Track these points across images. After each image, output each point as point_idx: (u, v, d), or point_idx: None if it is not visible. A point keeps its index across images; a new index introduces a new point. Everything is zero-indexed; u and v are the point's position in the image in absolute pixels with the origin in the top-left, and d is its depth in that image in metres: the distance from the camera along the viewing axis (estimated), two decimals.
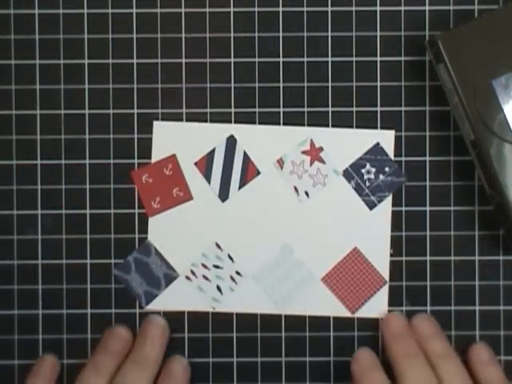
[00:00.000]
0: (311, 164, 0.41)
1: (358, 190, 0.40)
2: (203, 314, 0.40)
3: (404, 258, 0.41)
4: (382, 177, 0.40)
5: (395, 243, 0.40)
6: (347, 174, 0.41)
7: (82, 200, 0.41)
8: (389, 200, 0.40)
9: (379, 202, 0.40)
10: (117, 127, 0.41)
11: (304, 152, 0.41)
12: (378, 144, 0.40)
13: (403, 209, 0.41)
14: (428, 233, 0.41)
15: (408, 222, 0.41)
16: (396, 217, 0.40)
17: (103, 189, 0.41)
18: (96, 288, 0.41)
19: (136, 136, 0.41)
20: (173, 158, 0.40)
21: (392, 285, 0.41)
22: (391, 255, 0.40)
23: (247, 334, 0.40)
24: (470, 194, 0.41)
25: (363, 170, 0.41)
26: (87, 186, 0.41)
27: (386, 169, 0.40)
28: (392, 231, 0.40)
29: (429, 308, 0.41)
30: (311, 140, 0.41)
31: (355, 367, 0.38)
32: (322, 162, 0.41)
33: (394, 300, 0.40)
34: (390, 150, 0.40)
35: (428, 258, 0.41)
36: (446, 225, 0.41)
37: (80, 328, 0.40)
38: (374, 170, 0.40)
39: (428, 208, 0.41)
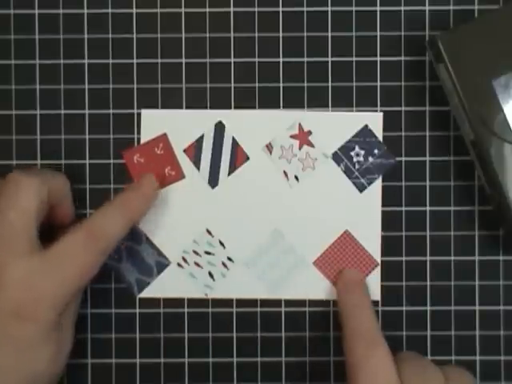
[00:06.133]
0: (300, 148, 0.41)
1: (348, 172, 0.40)
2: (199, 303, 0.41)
3: (404, 258, 0.41)
4: (371, 159, 0.40)
5: (395, 242, 0.40)
6: (336, 157, 0.41)
7: (82, 200, 0.41)
8: (379, 182, 0.40)
9: (369, 184, 0.40)
10: (117, 127, 0.41)
11: (292, 136, 0.41)
12: (366, 126, 0.40)
13: (403, 209, 0.41)
14: (428, 233, 0.41)
15: (408, 221, 0.41)
16: (396, 216, 0.41)
17: (103, 189, 0.41)
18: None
19: (136, 136, 0.41)
20: (164, 137, 0.40)
21: (392, 284, 0.41)
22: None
23: (245, 324, 0.40)
24: (470, 194, 0.41)
25: (352, 153, 0.41)
26: (87, 186, 0.41)
27: (375, 151, 0.40)
28: (392, 231, 0.40)
29: (429, 308, 0.41)
30: (299, 124, 0.41)
31: (340, 282, 0.40)
32: (311, 145, 0.41)
33: (394, 300, 0.41)
34: (378, 131, 0.40)
35: (428, 257, 0.41)
36: (446, 225, 0.41)
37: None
38: (363, 152, 0.40)
39: (428, 208, 0.41)
